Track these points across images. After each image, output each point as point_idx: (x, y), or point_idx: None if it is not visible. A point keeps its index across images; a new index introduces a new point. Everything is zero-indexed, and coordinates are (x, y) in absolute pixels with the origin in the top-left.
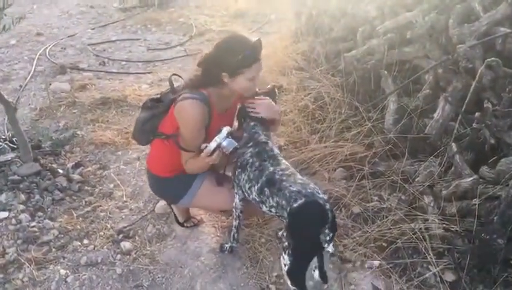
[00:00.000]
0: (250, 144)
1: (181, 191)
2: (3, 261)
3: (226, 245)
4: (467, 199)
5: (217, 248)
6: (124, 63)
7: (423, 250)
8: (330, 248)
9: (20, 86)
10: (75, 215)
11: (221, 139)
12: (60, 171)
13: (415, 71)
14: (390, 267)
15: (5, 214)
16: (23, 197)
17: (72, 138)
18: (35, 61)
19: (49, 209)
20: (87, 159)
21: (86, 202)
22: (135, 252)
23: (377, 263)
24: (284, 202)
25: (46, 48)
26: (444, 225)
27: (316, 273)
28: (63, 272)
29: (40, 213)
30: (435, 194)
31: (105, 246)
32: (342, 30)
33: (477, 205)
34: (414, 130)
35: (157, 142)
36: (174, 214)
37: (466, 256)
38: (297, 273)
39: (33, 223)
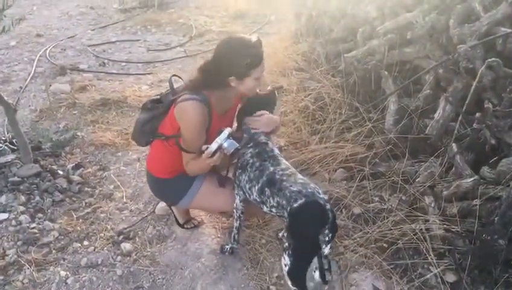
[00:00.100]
0: (251, 144)
1: (181, 192)
2: (3, 262)
3: (227, 246)
4: (467, 199)
5: (218, 249)
6: (123, 64)
7: (424, 251)
8: (326, 250)
9: (20, 88)
10: (75, 216)
11: (222, 140)
12: (60, 172)
13: (415, 72)
14: (391, 268)
15: (5, 215)
16: (23, 198)
17: (72, 139)
18: (35, 63)
19: (49, 210)
20: (87, 160)
21: (86, 203)
22: (135, 254)
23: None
24: (284, 202)
25: (46, 49)
26: (445, 226)
27: (317, 274)
28: (63, 273)
29: (40, 214)
30: (436, 194)
31: (105, 248)
32: (342, 31)
33: (478, 206)
34: (414, 130)
35: (157, 143)
36: (175, 216)
37: (467, 257)
38: (297, 273)
39: (33, 225)
